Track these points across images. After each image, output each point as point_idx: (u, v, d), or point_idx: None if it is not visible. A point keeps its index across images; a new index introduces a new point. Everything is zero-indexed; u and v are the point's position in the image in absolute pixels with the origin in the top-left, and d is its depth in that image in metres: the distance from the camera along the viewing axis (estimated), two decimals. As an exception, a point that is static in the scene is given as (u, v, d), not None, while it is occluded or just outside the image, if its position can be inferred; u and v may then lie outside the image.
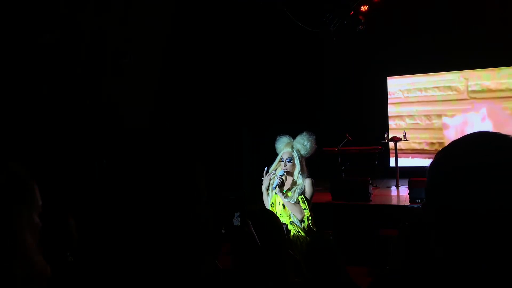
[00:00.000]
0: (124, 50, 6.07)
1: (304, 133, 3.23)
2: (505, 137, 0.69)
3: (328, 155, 8.09)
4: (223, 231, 1.11)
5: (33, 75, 5.06)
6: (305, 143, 3.18)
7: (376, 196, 6.46)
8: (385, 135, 8.02)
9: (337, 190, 5.98)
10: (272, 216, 1.73)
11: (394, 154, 7.83)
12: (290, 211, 3.06)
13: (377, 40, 9.18)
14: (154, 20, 6.36)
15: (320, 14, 8.03)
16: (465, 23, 8.21)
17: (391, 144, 8.11)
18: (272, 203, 3.13)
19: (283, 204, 3.07)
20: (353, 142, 7.78)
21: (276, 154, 3.27)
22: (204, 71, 7.68)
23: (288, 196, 3.07)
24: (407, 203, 5.62)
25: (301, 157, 3.17)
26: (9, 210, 0.78)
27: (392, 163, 9.07)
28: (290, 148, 3.17)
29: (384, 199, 6.26)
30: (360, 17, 7.73)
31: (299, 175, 3.14)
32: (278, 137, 3.28)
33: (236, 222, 1.14)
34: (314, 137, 3.24)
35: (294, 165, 3.14)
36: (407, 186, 5.78)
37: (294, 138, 3.29)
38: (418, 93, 9.70)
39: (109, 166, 5.22)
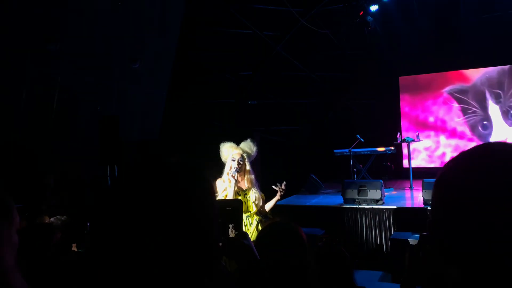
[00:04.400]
0: (134, 56, 6.10)
1: (248, 139, 3.67)
2: None
3: (340, 157, 8.02)
4: (220, 244, 1.07)
5: (43, 80, 5.11)
6: (252, 147, 3.62)
7: (389, 198, 6.37)
8: (398, 136, 7.91)
9: (349, 193, 5.90)
10: (292, 229, 1.49)
11: (407, 155, 7.72)
12: (258, 207, 3.54)
13: (388, 39, 9.07)
14: (164, 23, 6.38)
15: (330, 15, 7.98)
16: (476, 19, 8.06)
17: (404, 145, 7.99)
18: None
19: (253, 202, 3.50)
20: (365, 143, 7.69)
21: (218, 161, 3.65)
22: (213, 74, 7.68)
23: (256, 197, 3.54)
24: (422, 205, 5.52)
25: (248, 159, 3.59)
26: None
27: (405, 164, 8.94)
28: (240, 151, 3.57)
29: (397, 201, 6.16)
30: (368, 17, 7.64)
31: (251, 173, 3.57)
32: (222, 144, 3.64)
33: (231, 234, 1.11)
34: (256, 143, 3.71)
35: (245, 164, 3.54)
36: (421, 188, 5.67)
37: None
38: (431, 92, 9.53)
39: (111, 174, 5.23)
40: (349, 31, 8.68)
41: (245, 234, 1.15)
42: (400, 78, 9.84)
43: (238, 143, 3.68)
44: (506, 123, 8.82)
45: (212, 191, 0.78)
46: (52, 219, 2.40)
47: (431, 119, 9.50)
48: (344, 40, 8.78)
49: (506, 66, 8.81)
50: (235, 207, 1.17)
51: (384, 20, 8.38)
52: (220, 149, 3.64)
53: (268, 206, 3.63)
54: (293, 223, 1.39)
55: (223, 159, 3.63)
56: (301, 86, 9.10)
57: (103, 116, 5.17)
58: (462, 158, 0.70)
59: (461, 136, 9.13)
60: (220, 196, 3.53)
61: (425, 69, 9.46)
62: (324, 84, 9.35)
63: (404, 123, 9.71)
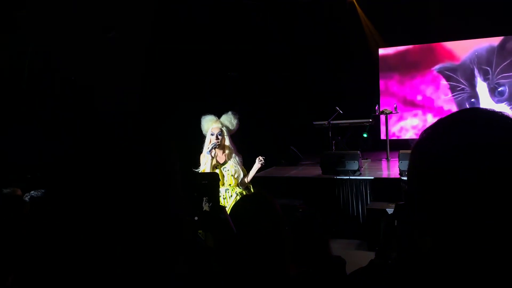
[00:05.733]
0: (109, 24, 5.88)
1: (230, 112, 3.64)
2: (500, 115, 0.62)
3: (319, 129, 8.06)
4: (196, 218, 1.05)
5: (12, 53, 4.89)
6: (232, 120, 3.60)
7: (366, 169, 6.47)
8: (376, 108, 7.97)
9: (327, 164, 5.96)
10: (265, 200, 1.51)
11: (384, 127, 7.82)
12: (237, 180, 3.55)
13: (369, 10, 9.00)
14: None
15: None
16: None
17: (382, 117, 8.06)
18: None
19: (232, 175, 3.53)
20: (344, 115, 7.73)
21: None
22: (193, 45, 7.50)
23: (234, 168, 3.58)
24: (397, 176, 5.63)
25: (229, 132, 3.60)
26: None
27: (383, 135, 9.06)
28: (219, 124, 3.55)
29: (374, 172, 6.27)
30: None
31: (230, 146, 3.58)
32: (203, 117, 3.62)
33: (205, 207, 1.09)
34: (238, 115, 3.68)
35: (224, 138, 3.55)
36: (397, 159, 5.77)
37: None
38: (420, 70, 9.54)
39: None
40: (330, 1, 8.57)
41: (222, 208, 1.13)
42: (380, 49, 9.83)
43: (219, 115, 3.65)
44: (493, 100, 8.96)
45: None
46: (32, 193, 2.31)
47: (419, 97, 9.57)
48: (324, 10, 8.67)
49: (495, 43, 8.86)
50: (211, 181, 1.15)
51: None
52: (201, 122, 3.63)
53: (248, 177, 3.65)
54: (267, 194, 1.38)
55: (204, 132, 3.63)
56: (280, 58, 9.00)
57: (77, 88, 5.01)
58: (439, 124, 0.67)
59: (447, 113, 9.22)
60: (200, 169, 3.53)
61: (406, 41, 9.46)
62: (304, 55, 9.26)
63: (392, 101, 9.76)
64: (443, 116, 0.69)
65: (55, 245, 0.70)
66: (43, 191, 2.16)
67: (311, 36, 9.14)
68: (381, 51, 9.83)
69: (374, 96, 9.55)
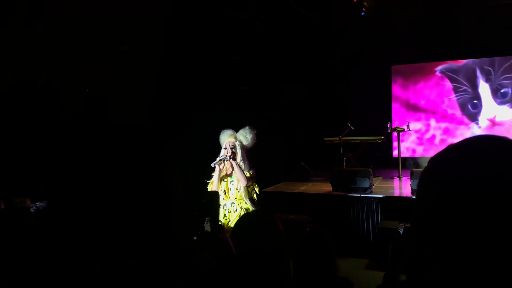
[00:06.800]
0: (123, 36, 5.97)
1: (247, 127, 3.72)
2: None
3: (330, 145, 8.01)
4: (195, 238, 1.03)
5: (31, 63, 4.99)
6: (247, 135, 3.67)
7: (377, 187, 6.39)
8: (388, 125, 7.90)
9: (337, 181, 5.90)
10: (267, 219, 1.46)
11: (397, 144, 7.73)
12: (243, 196, 3.53)
13: (382, 27, 8.99)
14: (154, 4, 6.23)
15: (324, 0, 7.87)
16: (472, 10, 8.01)
17: (394, 134, 7.98)
18: (225, 190, 3.56)
19: (236, 189, 3.54)
20: (355, 132, 7.68)
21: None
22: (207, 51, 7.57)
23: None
24: (409, 195, 5.54)
25: (242, 147, 3.64)
26: None
27: (395, 153, 8.96)
28: (234, 138, 3.63)
29: (386, 190, 6.18)
30: (364, 3, 7.56)
31: (241, 162, 3.59)
32: (222, 131, 3.71)
33: (207, 227, 1.06)
34: (255, 131, 3.74)
35: (236, 153, 3.60)
36: (409, 177, 5.68)
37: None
38: (424, 72, 9.47)
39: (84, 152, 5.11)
40: (344, 16, 8.58)
41: (221, 227, 1.11)
42: (393, 67, 9.80)
43: (236, 130, 3.71)
44: (495, 101, 8.82)
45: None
46: (38, 204, 2.32)
47: (422, 102, 9.48)
48: (337, 27, 8.69)
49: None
50: (211, 199, 1.13)
51: (378, 6, 8.30)
52: (220, 135, 3.74)
53: (240, 178, 3.53)
54: (269, 212, 1.36)
55: (221, 145, 3.71)
56: (291, 72, 9.01)
57: (88, 97, 5.08)
58: (449, 150, 0.66)
59: (451, 117, 9.13)
60: (211, 180, 3.58)
61: (419, 59, 9.42)
62: (315, 70, 9.27)
63: (395, 106, 9.70)
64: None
65: (54, 251, 0.68)
66: (46, 202, 2.17)
67: (323, 51, 9.15)
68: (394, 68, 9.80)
69: (386, 113, 9.48)
